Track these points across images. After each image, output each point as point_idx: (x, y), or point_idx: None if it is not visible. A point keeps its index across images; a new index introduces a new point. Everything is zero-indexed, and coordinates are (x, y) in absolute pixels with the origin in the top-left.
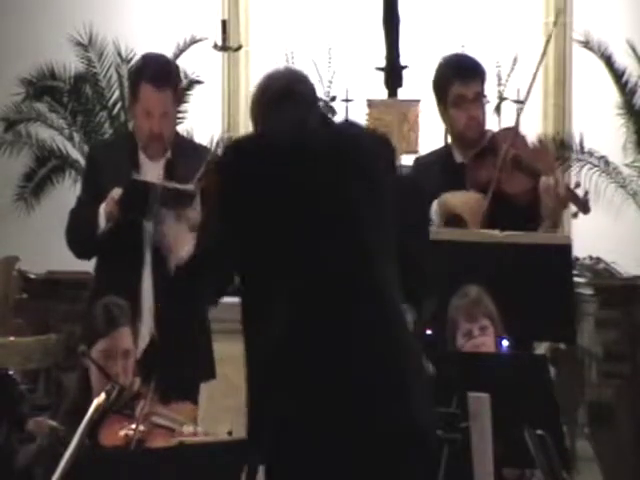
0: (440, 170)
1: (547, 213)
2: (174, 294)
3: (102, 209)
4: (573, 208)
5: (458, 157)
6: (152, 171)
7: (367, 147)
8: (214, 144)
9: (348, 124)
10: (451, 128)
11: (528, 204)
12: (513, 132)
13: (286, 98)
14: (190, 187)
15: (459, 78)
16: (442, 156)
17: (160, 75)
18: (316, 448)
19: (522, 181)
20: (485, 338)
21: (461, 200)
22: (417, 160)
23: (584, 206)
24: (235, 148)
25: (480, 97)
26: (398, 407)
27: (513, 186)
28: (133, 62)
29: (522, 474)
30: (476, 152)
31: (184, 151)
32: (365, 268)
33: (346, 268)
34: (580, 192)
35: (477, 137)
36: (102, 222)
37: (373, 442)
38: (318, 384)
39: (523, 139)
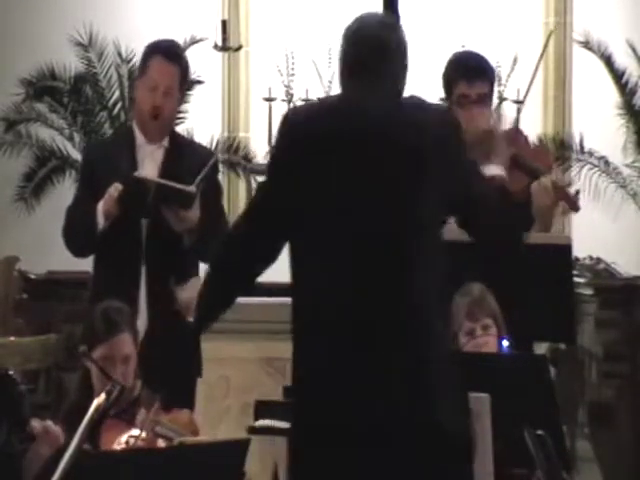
0: None
1: (538, 214)
2: (223, 262)
3: (100, 207)
4: (563, 206)
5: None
6: (150, 159)
7: (424, 138)
8: (214, 144)
9: (416, 107)
10: None
11: (525, 202)
12: (512, 131)
13: (359, 70)
14: (191, 188)
15: (464, 78)
16: None
17: (172, 50)
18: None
19: (521, 179)
20: (488, 338)
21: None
22: None
23: (574, 204)
24: (291, 115)
25: (485, 98)
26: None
27: (512, 184)
28: (133, 62)
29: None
30: (480, 153)
31: (183, 145)
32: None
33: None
34: (571, 190)
35: (477, 137)
36: (100, 220)
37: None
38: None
39: (525, 138)
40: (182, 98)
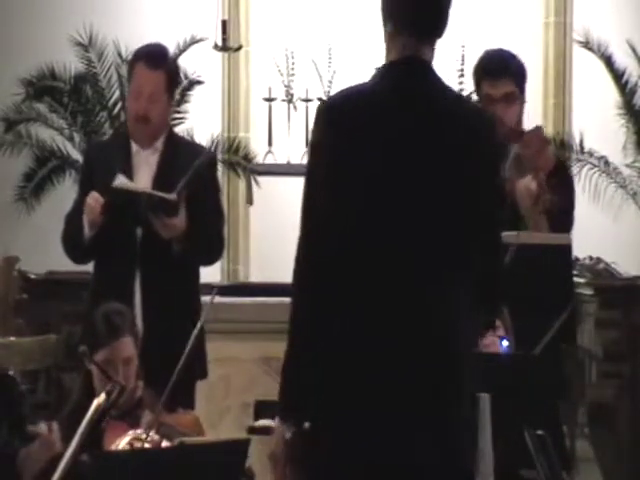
0: None
1: (526, 214)
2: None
3: (84, 217)
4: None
5: None
6: (145, 164)
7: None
8: (214, 144)
9: (459, 104)
10: None
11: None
12: (536, 133)
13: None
14: (172, 196)
15: (487, 77)
16: None
17: (153, 55)
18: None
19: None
20: (494, 337)
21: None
22: None
23: (549, 204)
24: (331, 103)
25: (510, 98)
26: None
27: (508, 185)
28: None
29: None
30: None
31: (179, 146)
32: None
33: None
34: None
35: (502, 136)
36: (86, 230)
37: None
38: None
39: (544, 139)
40: (172, 100)
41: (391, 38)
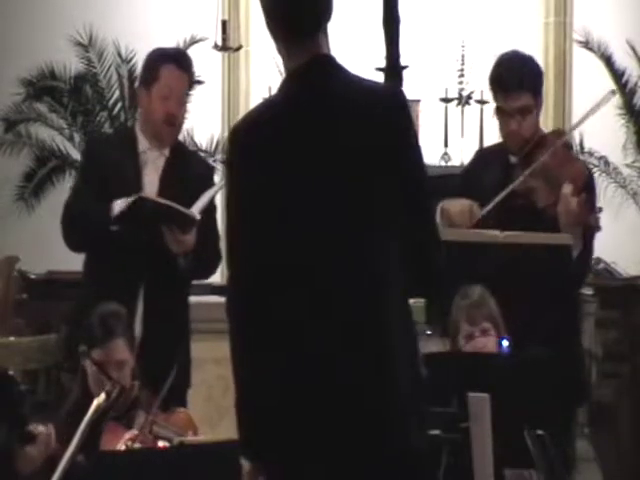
0: (498, 165)
1: (565, 226)
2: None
3: (115, 208)
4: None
5: (512, 158)
6: (152, 165)
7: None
8: (214, 144)
9: (355, 84)
10: (499, 130)
11: (553, 218)
12: (559, 143)
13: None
14: (194, 214)
15: (500, 91)
16: (502, 152)
17: (183, 57)
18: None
19: (548, 194)
20: (486, 340)
21: (456, 210)
22: (481, 150)
23: (595, 222)
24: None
25: (526, 110)
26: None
27: (542, 199)
28: (133, 62)
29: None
30: (523, 155)
31: (185, 155)
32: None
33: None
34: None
35: (518, 147)
36: (115, 211)
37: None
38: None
39: (565, 145)
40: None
41: (279, 50)
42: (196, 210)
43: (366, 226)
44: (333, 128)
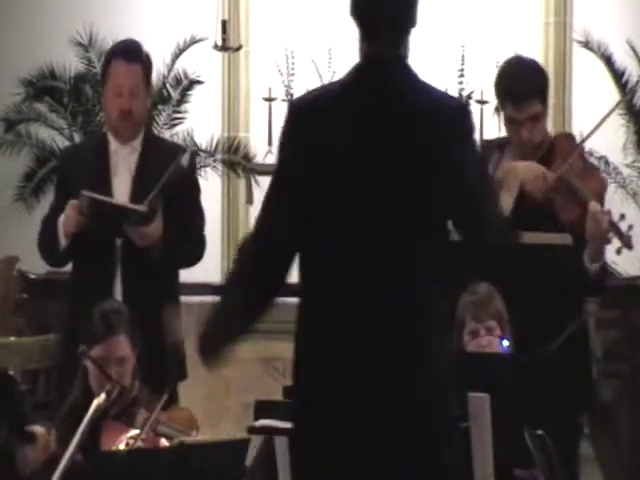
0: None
1: (590, 238)
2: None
3: (59, 225)
4: (617, 242)
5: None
6: (123, 164)
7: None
8: (214, 144)
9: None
10: (509, 137)
11: (580, 234)
12: (570, 148)
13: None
14: (142, 207)
15: (511, 102)
16: (509, 150)
17: (129, 49)
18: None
19: (572, 208)
20: (491, 338)
21: (527, 170)
22: (488, 142)
23: (627, 242)
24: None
25: (537, 117)
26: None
27: (563, 213)
28: None
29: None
30: (535, 161)
31: (156, 146)
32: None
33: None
34: (624, 226)
35: (532, 153)
36: (61, 240)
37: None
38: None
39: (581, 151)
40: (149, 94)
41: (359, 38)
42: (147, 202)
43: (409, 225)
44: (396, 123)
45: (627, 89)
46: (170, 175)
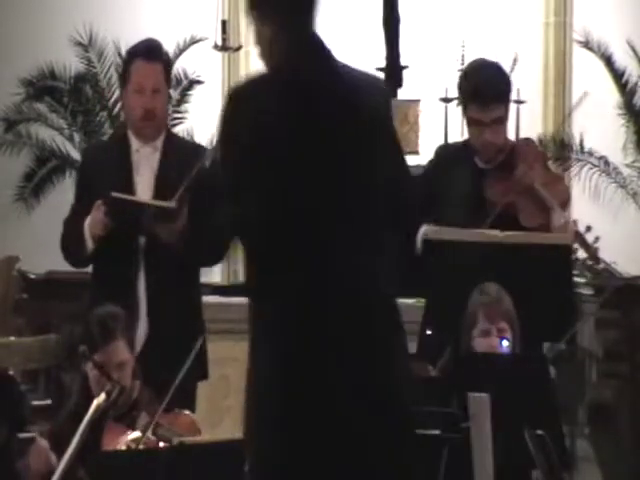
0: (466, 167)
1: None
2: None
3: (86, 227)
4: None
5: (479, 162)
6: (146, 163)
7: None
8: (214, 144)
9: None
10: (470, 138)
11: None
12: (532, 154)
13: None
14: (172, 204)
15: (476, 103)
16: (467, 153)
17: (150, 49)
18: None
19: (535, 215)
20: (494, 338)
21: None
22: (444, 147)
23: (593, 253)
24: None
25: (499, 120)
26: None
27: (527, 218)
28: None
29: None
30: (496, 165)
31: (177, 147)
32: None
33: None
34: (590, 237)
35: (492, 156)
36: (88, 243)
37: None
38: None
39: (540, 155)
40: (169, 93)
41: (274, 33)
42: (175, 198)
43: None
44: (334, 99)
45: (627, 89)
46: (196, 172)
